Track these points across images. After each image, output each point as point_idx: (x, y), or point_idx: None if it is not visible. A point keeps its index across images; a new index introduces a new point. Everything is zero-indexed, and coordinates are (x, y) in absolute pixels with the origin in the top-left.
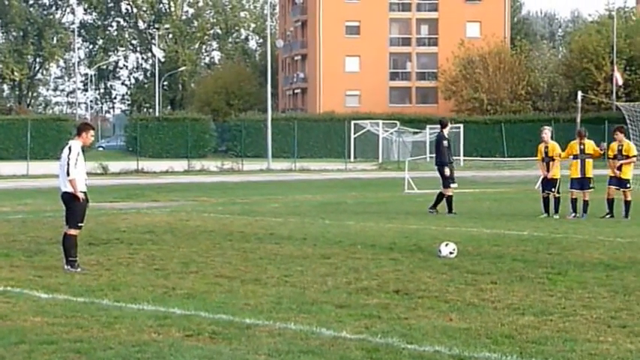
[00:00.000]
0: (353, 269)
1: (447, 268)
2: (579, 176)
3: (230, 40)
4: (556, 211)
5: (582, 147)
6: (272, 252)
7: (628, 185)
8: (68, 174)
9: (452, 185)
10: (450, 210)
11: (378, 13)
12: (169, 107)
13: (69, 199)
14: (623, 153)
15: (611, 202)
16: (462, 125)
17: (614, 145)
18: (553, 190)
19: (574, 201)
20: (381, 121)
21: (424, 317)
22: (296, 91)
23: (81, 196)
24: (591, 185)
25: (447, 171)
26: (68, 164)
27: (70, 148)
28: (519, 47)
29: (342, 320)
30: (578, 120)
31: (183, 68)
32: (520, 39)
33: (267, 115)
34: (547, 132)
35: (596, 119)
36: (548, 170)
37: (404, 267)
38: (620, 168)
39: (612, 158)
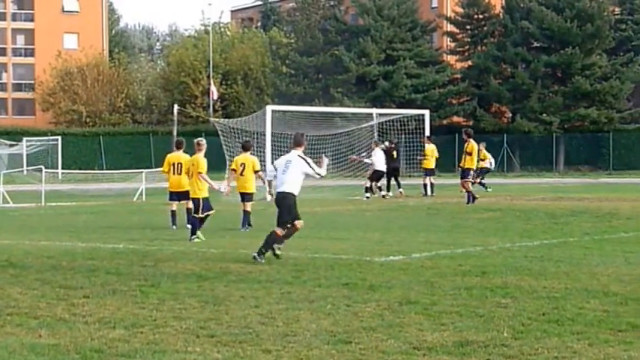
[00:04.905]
0: None
1: (38, 284)
2: (177, 190)
3: None
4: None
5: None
6: None
7: (249, 198)
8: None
9: None
10: None
11: None
12: None
13: (282, 198)
14: (247, 168)
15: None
16: (60, 137)
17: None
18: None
19: (173, 212)
20: None
21: (12, 334)
22: None
23: None
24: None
25: None
26: (313, 169)
27: (303, 159)
28: (118, 60)
29: None
30: (175, 133)
31: None
32: (119, 51)
33: None
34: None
35: (194, 132)
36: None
37: None
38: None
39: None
